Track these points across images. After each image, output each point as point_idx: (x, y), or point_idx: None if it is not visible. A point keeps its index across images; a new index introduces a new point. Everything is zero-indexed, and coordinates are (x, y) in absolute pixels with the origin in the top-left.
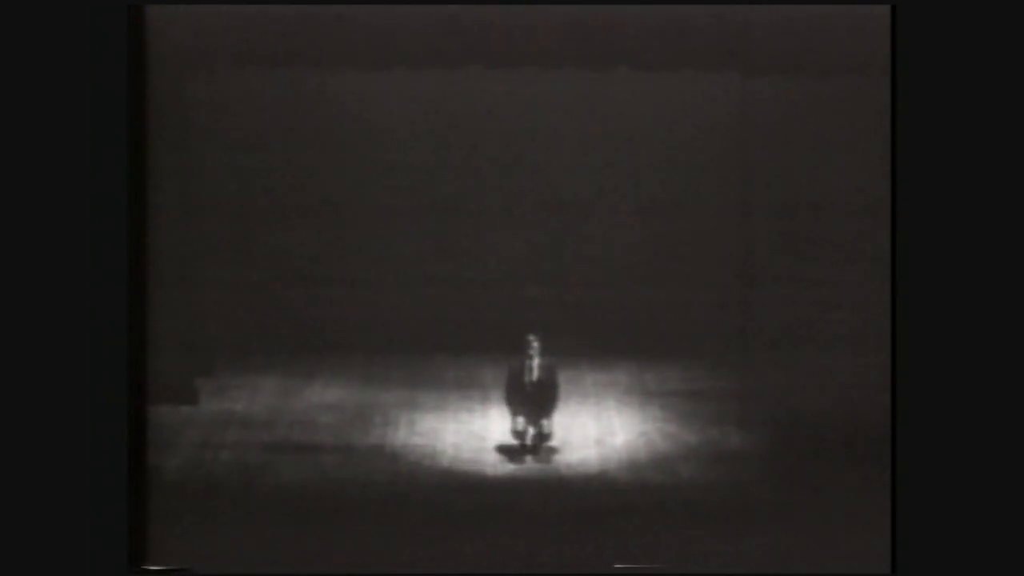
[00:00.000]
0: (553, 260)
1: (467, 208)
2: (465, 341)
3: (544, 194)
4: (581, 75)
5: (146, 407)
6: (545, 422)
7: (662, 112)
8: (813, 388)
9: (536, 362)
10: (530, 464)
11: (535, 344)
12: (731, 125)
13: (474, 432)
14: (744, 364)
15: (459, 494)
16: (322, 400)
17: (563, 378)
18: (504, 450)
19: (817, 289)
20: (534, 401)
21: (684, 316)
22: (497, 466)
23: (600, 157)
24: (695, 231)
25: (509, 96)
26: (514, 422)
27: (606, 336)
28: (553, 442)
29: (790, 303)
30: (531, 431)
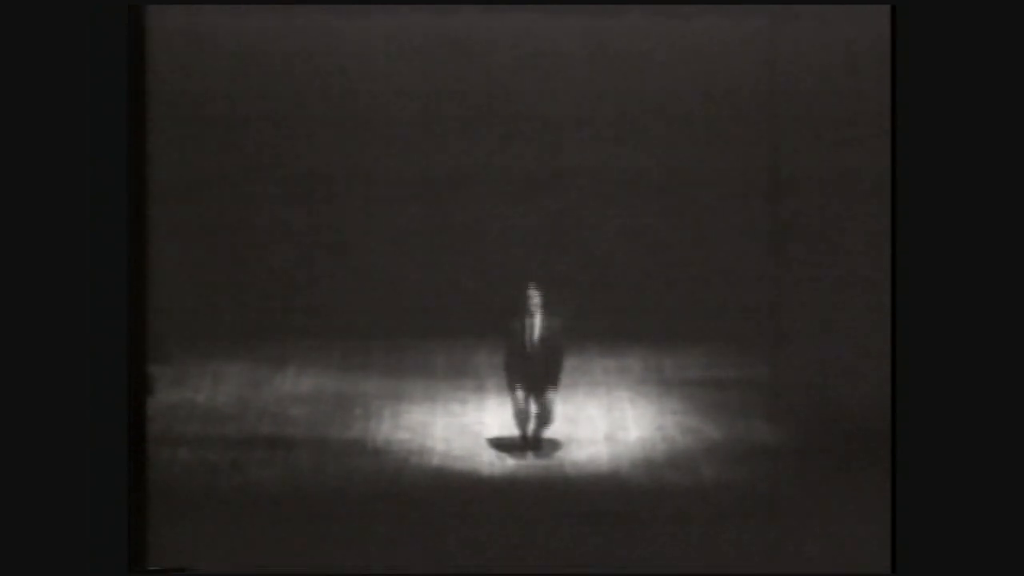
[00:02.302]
0: (558, 231)
1: (461, 172)
2: (457, 323)
3: (548, 156)
4: (592, 22)
5: (145, 407)
6: (551, 393)
7: (677, 61)
8: (849, 375)
9: (538, 320)
10: (532, 462)
11: (536, 299)
12: (759, 76)
13: (467, 426)
14: (774, 349)
15: (450, 496)
16: (295, 390)
17: (569, 366)
18: (502, 446)
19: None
20: (538, 367)
21: (707, 294)
22: (494, 464)
23: (611, 115)
24: (719, 197)
25: (508, 48)
26: (515, 397)
27: (618, 317)
28: (558, 437)
29: (824, 275)
30: (535, 405)
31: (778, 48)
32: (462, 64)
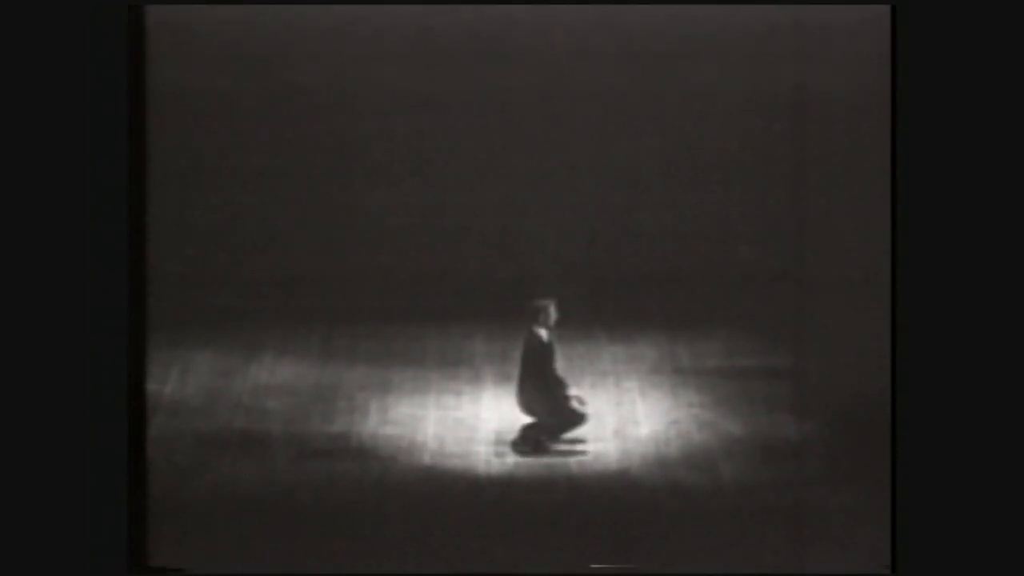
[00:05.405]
0: (562, 208)
1: (456, 142)
2: (451, 306)
3: (554, 133)
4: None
5: (146, 406)
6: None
7: (688, 44)
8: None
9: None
10: (533, 460)
11: (555, 313)
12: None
13: (462, 420)
14: (801, 335)
15: (443, 497)
16: (272, 380)
17: (576, 353)
18: (500, 441)
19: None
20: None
21: (726, 275)
22: (491, 462)
23: (620, 97)
24: (738, 170)
25: (521, 39)
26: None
27: (628, 299)
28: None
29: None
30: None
31: (800, 41)
32: (465, 58)
